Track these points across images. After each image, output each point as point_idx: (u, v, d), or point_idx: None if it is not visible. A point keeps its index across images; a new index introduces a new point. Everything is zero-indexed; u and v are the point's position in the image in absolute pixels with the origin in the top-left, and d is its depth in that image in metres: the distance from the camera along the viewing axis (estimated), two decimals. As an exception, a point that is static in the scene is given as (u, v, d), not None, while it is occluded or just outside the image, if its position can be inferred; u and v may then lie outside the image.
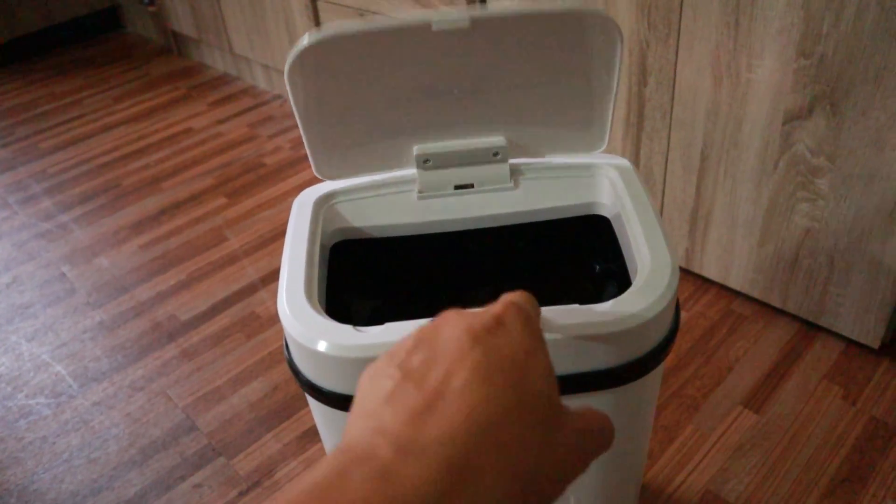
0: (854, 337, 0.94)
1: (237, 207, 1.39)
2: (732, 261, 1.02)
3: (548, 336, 0.43)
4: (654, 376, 0.50)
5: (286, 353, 0.51)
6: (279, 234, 1.29)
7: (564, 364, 0.45)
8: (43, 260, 1.28)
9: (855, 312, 0.92)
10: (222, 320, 1.10)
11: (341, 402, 0.47)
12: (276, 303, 1.10)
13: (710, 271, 1.06)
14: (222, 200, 1.42)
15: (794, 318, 1.01)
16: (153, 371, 1.02)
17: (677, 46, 0.93)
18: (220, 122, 1.74)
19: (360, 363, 0.44)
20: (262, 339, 1.06)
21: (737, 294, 1.06)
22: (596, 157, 0.59)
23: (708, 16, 0.88)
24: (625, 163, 0.59)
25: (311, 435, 0.91)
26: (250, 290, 1.17)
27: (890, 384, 0.90)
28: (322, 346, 0.45)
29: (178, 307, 1.14)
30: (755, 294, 1.02)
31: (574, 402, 0.47)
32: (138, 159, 1.60)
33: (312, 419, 0.93)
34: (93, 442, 0.93)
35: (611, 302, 0.45)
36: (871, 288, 0.89)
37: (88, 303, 1.17)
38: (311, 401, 0.51)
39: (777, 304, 1.00)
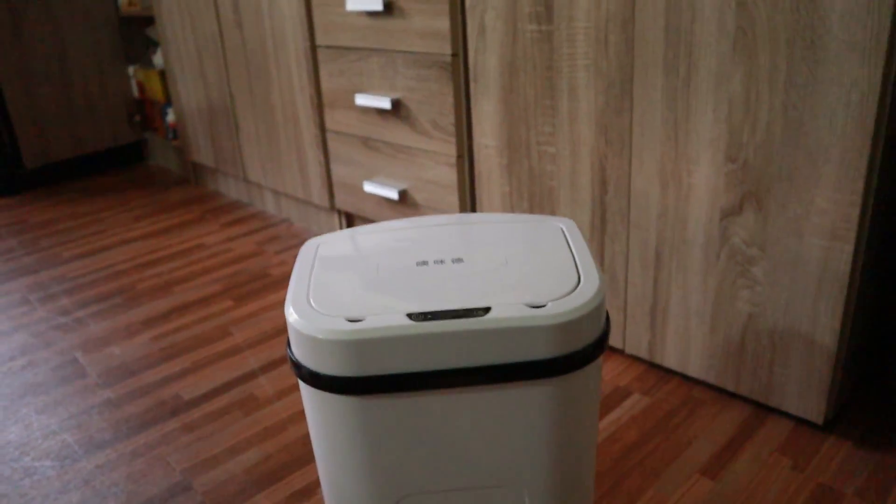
0: (801, 414, 1.03)
1: (243, 309, 1.51)
2: (689, 349, 1.13)
3: (500, 325, 0.55)
4: (590, 374, 0.60)
5: (289, 351, 0.61)
6: (281, 331, 1.40)
7: (514, 353, 0.56)
8: (58, 347, 1.38)
9: (798, 391, 1.02)
10: (223, 400, 1.19)
11: (333, 384, 0.57)
12: (274, 387, 1.20)
13: (671, 361, 1.16)
14: (229, 303, 1.54)
15: (747, 400, 1.10)
16: (155, 440, 1.10)
17: (630, 158, 1.10)
18: (231, 239, 1.89)
19: (350, 345, 0.55)
20: (260, 415, 1.14)
21: (696, 382, 1.16)
22: (545, 217, 0.73)
23: (653, 132, 1.05)
24: (570, 221, 0.72)
25: (301, 495, 0.97)
26: (250, 376, 1.26)
27: (836, 455, 0.98)
28: (320, 334, 0.56)
29: (182, 388, 1.23)
30: (711, 380, 1.12)
31: (519, 393, 0.58)
32: (153, 268, 1.74)
33: (303, 481, 1.00)
34: (92, 499, 0.99)
35: (550, 303, 0.57)
36: (808, 367, 1.00)
37: (98, 383, 1.26)
38: (304, 393, 0.61)
39: (731, 388, 1.10)
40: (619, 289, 1.19)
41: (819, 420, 1.02)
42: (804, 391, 1.01)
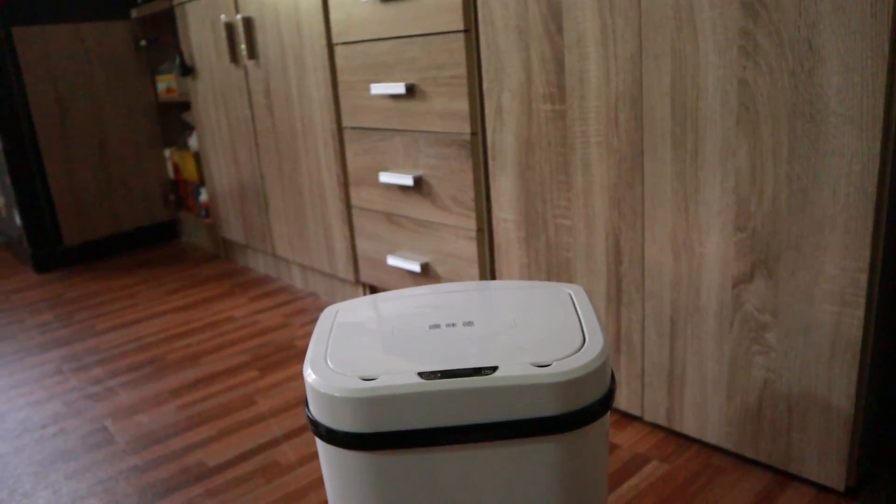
0: (822, 481, 1.02)
1: (268, 379, 1.54)
2: (707, 416, 1.13)
3: (506, 383, 0.58)
4: (596, 432, 0.62)
5: (307, 410, 0.64)
6: (305, 399, 1.42)
7: (520, 410, 0.59)
8: (88, 416, 1.42)
9: (818, 457, 1.02)
10: (246, 467, 1.21)
11: (348, 441, 0.60)
12: (296, 454, 1.22)
13: (689, 428, 1.16)
14: (255, 373, 1.57)
15: (767, 467, 1.09)
16: (179, 506, 1.12)
17: (643, 229, 1.13)
18: (259, 312, 1.94)
19: (364, 402, 0.58)
20: (282, 482, 1.16)
21: (715, 449, 1.15)
22: (555, 284, 0.76)
23: (664, 204, 1.09)
24: (578, 287, 0.75)
25: (318, 562, 0.98)
26: (274, 443, 1.28)
27: (857, 526, 0.97)
28: (336, 392, 0.59)
29: (206, 456, 1.25)
30: (730, 447, 1.11)
31: (526, 449, 0.60)
32: (182, 340, 1.79)
33: (320, 547, 1.01)
34: (117, 566, 1.00)
35: (555, 362, 0.60)
36: (826, 432, 0.99)
37: (126, 450, 1.29)
38: (321, 451, 0.64)
39: (750, 454, 1.09)
40: (636, 357, 1.21)
41: (840, 487, 1.01)
42: (824, 457, 1.01)
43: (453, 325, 0.68)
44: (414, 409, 0.58)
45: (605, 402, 0.61)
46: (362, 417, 0.59)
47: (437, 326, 0.68)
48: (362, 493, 0.62)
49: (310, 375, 0.62)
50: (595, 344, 0.62)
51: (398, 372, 0.60)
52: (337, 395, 0.59)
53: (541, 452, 0.60)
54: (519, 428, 0.59)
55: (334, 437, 0.60)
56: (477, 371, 0.59)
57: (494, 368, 0.59)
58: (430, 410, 0.58)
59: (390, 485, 0.61)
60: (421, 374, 0.59)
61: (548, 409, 0.59)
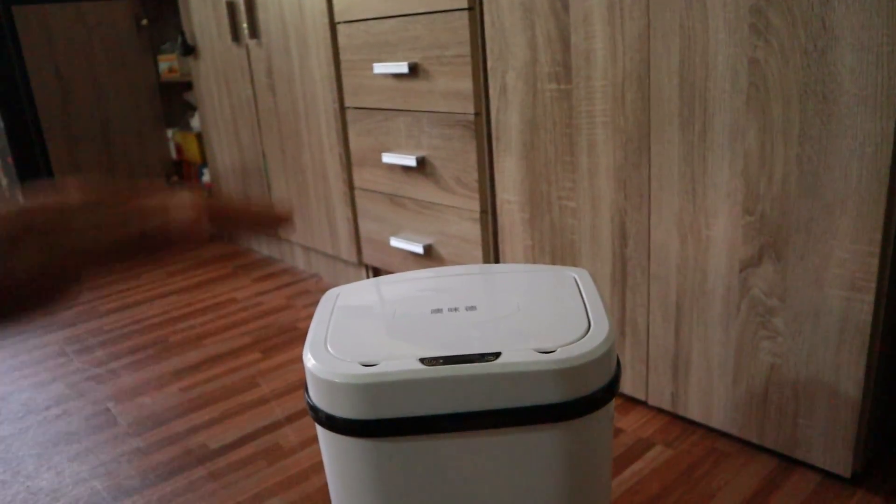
0: (827, 467, 1.01)
1: (270, 361, 1.54)
2: (712, 401, 1.12)
3: (509, 370, 0.56)
4: (600, 420, 0.61)
5: (307, 396, 0.63)
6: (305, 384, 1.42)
7: (523, 397, 0.57)
8: (91, 398, 1.42)
9: (824, 443, 1.01)
10: (248, 449, 1.21)
11: (348, 427, 0.59)
12: (298, 437, 1.21)
13: (694, 413, 1.15)
14: (257, 355, 1.57)
15: (773, 453, 1.08)
16: (181, 488, 1.11)
17: (649, 212, 1.11)
18: (261, 293, 1.94)
19: (364, 389, 0.57)
20: (284, 464, 1.16)
21: (720, 434, 1.14)
22: (559, 267, 0.75)
23: (671, 186, 1.07)
24: (583, 271, 0.74)
25: (320, 545, 0.98)
26: (276, 426, 1.28)
27: (863, 512, 0.96)
28: (335, 378, 0.58)
29: (208, 438, 1.25)
30: (735, 432, 1.11)
31: (530, 437, 0.59)
32: (185, 321, 1.78)
33: (322, 531, 1.00)
34: (119, 548, 1.00)
35: (559, 349, 0.58)
36: (833, 418, 0.98)
37: (128, 432, 1.28)
38: (321, 437, 0.63)
39: (755, 440, 1.08)
40: (640, 340, 1.20)
41: (847, 473, 1.00)
42: (830, 443, 1.00)
43: (456, 309, 0.67)
44: (415, 396, 0.57)
45: (610, 389, 0.60)
46: (362, 404, 0.58)
47: (439, 311, 0.67)
48: (363, 480, 0.61)
49: (309, 361, 0.61)
50: (600, 329, 0.61)
51: (399, 358, 0.59)
52: (337, 381, 0.58)
53: (544, 440, 0.59)
54: (522, 415, 0.58)
55: (334, 424, 0.59)
56: (480, 357, 0.58)
57: (497, 354, 0.58)
58: (431, 397, 0.57)
59: (391, 472, 0.60)
60: (422, 360, 0.58)
61: (552, 396, 0.57)
